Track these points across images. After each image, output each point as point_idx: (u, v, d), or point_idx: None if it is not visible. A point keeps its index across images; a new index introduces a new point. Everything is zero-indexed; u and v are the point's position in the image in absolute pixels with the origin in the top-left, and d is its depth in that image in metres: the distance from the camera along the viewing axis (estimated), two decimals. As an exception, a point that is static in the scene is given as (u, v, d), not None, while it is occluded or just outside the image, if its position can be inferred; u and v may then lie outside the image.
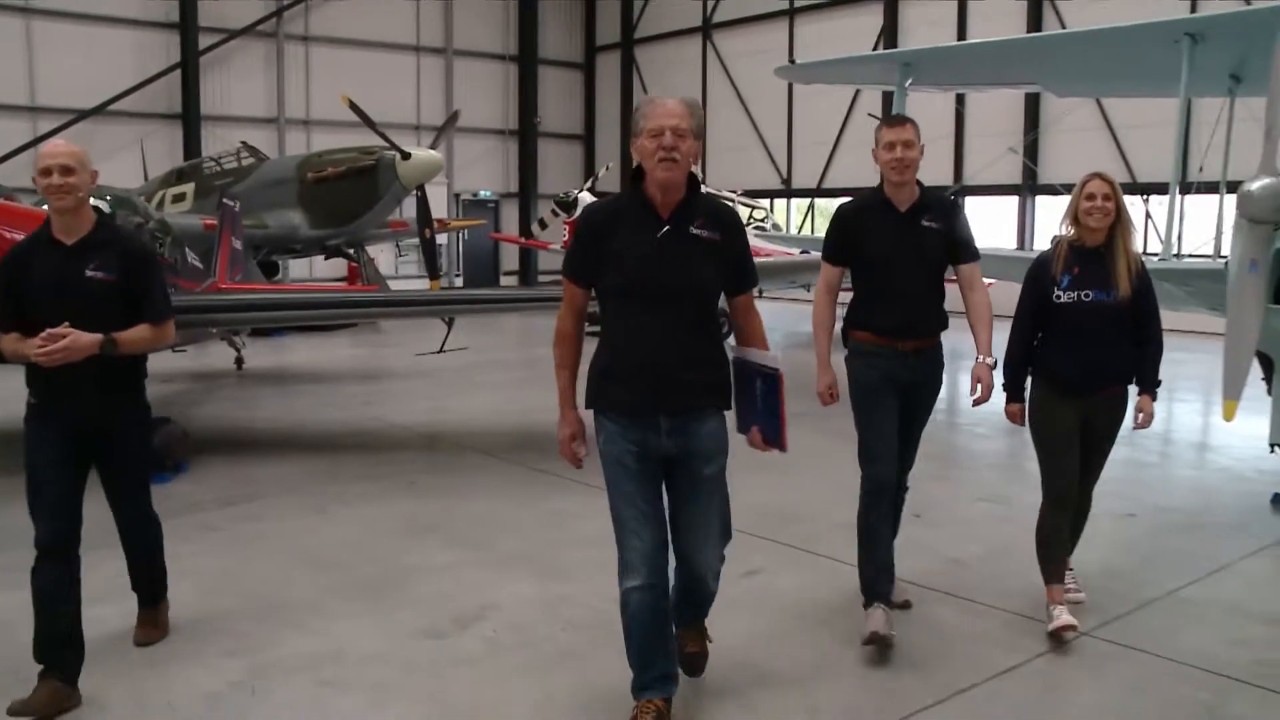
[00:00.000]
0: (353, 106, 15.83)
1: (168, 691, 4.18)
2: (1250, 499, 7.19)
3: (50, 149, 4.02)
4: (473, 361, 14.14)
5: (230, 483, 7.48)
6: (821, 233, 19.29)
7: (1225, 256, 6.87)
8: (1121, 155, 18.90)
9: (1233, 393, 6.13)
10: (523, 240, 25.04)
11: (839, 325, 4.75)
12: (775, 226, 20.00)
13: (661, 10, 28.88)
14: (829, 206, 26.19)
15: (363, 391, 12.05)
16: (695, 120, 3.47)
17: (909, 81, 10.73)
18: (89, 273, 3.97)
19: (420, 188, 16.90)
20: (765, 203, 22.58)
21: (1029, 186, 21.18)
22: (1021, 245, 21.06)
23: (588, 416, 3.67)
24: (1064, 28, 19.71)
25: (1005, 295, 5.59)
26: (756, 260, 15.06)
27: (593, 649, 4.56)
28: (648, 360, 3.48)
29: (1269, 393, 7.15)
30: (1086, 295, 4.60)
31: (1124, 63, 9.49)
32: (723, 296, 3.74)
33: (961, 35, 21.91)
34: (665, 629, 3.67)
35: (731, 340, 3.87)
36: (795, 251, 18.30)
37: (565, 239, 17.28)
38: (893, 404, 4.50)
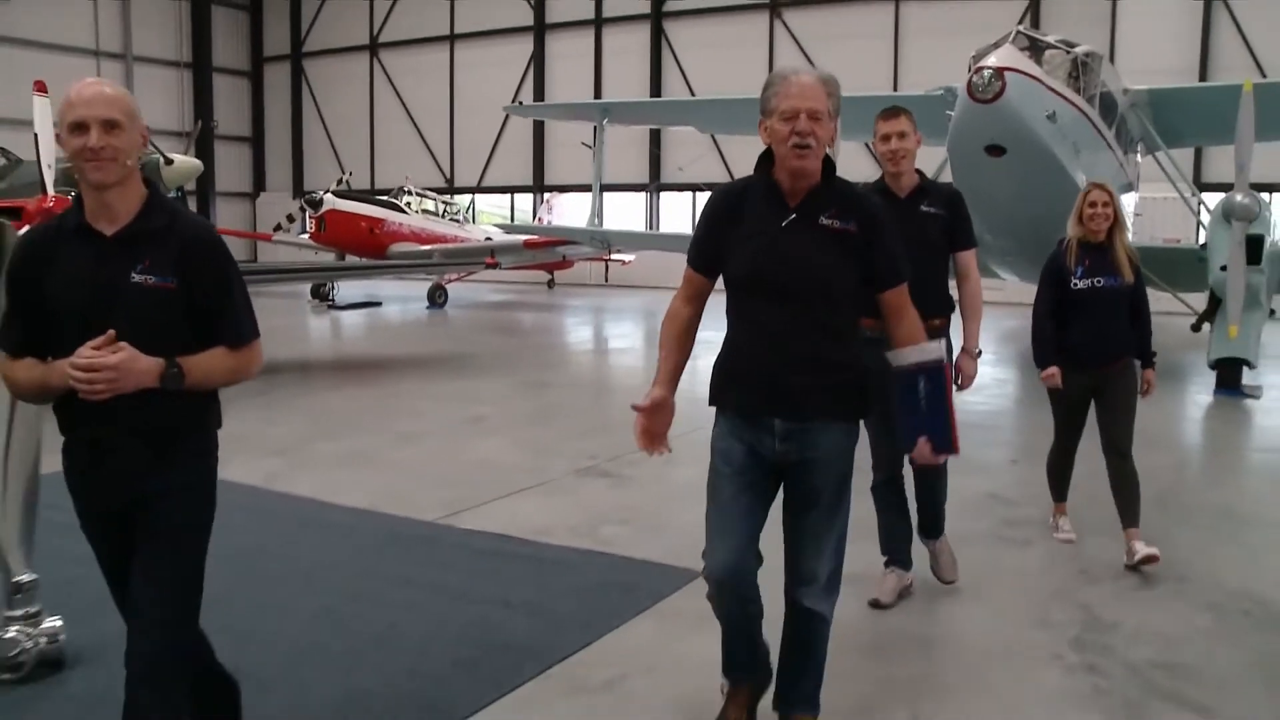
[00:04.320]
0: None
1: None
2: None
3: (85, 93, 2.60)
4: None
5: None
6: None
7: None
8: (723, 159, 25.28)
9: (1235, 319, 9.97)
10: (250, 234, 28.05)
11: None
12: (471, 217, 24.69)
13: (329, 27, 32.43)
14: (489, 202, 31.13)
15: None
16: (834, 100, 3.06)
17: (606, 120, 16.03)
18: (136, 276, 2.62)
19: (180, 189, 19.98)
20: (463, 198, 27.05)
21: (655, 185, 27.31)
22: (650, 226, 27.03)
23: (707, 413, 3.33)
24: (680, 68, 26.07)
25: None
26: (452, 246, 21.05)
27: (556, 419, 9.32)
28: (764, 361, 3.11)
29: (1193, 327, 12.24)
30: (1099, 282, 5.29)
31: (740, 116, 15.29)
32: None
33: (598, 64, 27.66)
34: (749, 618, 3.32)
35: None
36: (483, 238, 23.23)
37: (311, 231, 21.08)
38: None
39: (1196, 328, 12.35)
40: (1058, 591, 5.03)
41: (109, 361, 2.50)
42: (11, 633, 3.95)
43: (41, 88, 9.74)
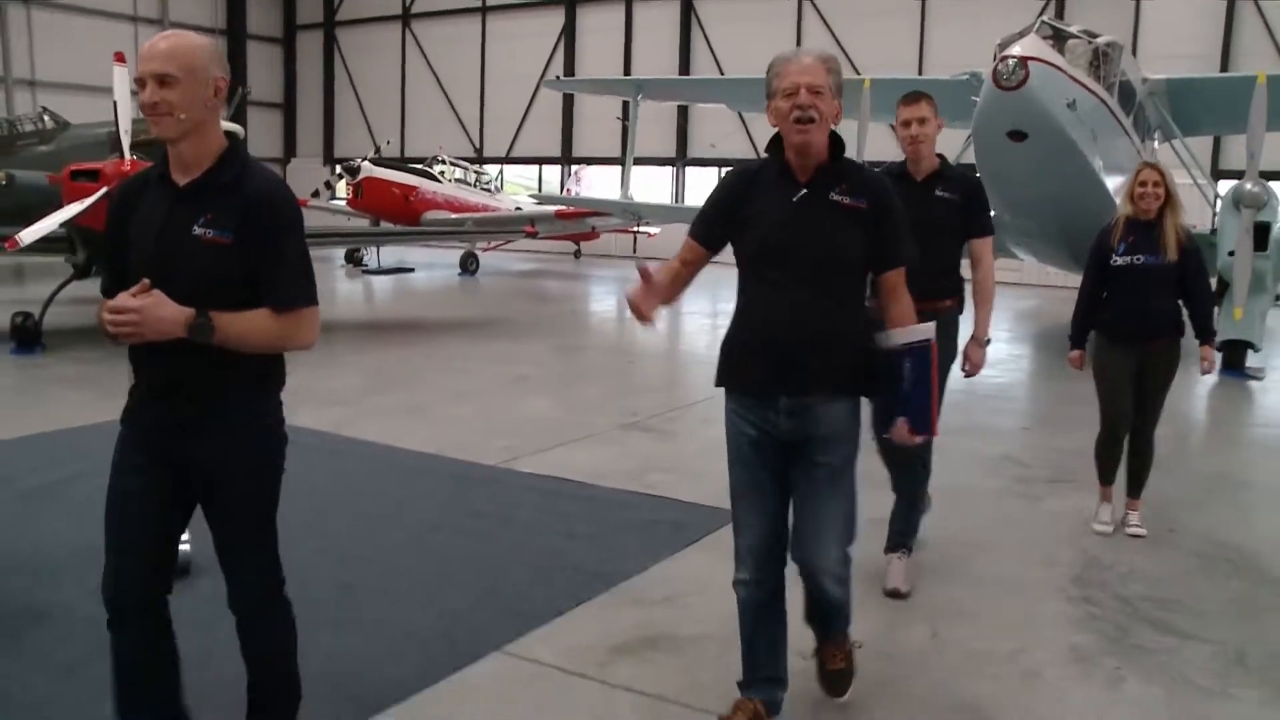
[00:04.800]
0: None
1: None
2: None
3: (149, 49, 2.59)
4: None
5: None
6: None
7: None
8: (749, 136, 25.70)
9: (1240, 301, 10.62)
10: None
11: None
12: (499, 186, 25.29)
13: (362, -3, 32.96)
14: (516, 173, 31.65)
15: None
16: (834, 76, 3.10)
17: (640, 95, 16.55)
18: (197, 229, 2.63)
19: (222, 152, 20.62)
20: (492, 168, 27.59)
21: (682, 160, 27.79)
22: (676, 200, 27.47)
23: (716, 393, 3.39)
24: (709, 44, 26.50)
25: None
26: (484, 215, 21.84)
27: (594, 380, 9.92)
28: (771, 333, 3.15)
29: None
30: (1139, 259, 5.31)
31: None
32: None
33: (628, 39, 28.06)
34: (774, 629, 3.37)
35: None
36: (513, 207, 23.82)
37: (349, 197, 21.67)
38: None
39: (1205, 310, 12.85)
40: (1062, 539, 5.60)
41: (131, 304, 2.50)
42: (151, 543, 4.58)
43: (120, 58, 10.31)
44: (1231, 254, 10.70)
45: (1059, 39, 10.89)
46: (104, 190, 9.74)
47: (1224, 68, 20.34)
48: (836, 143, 3.17)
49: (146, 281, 2.53)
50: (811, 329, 3.12)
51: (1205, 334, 5.52)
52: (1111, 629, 4.39)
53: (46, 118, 20.79)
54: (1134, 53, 18.85)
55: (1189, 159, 13.54)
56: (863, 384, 3.23)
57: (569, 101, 28.84)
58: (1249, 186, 10.58)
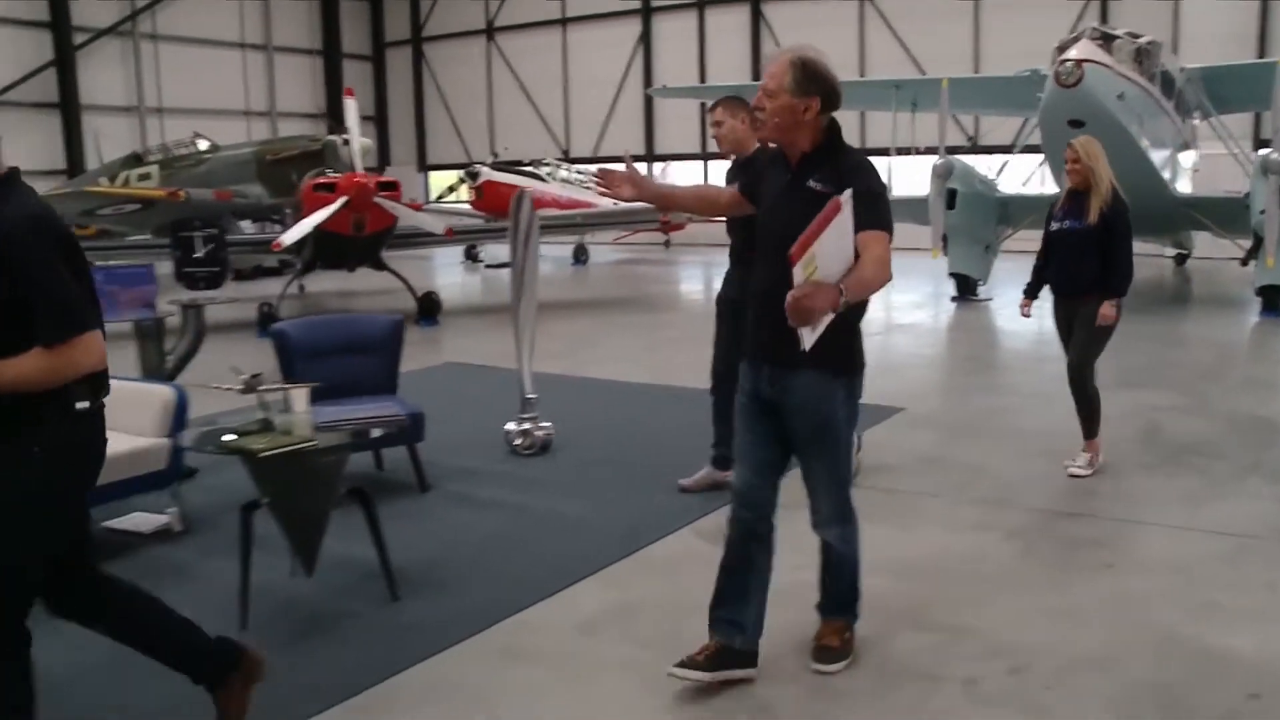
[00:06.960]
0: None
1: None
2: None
3: None
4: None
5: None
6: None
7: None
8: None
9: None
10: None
11: None
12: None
13: (447, 14, 35.43)
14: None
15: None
16: (791, 77, 3.35)
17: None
18: None
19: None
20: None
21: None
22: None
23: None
24: (776, 43, 28.67)
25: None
26: (571, 212, 24.28)
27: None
28: (760, 307, 3.52)
29: (1242, 262, 15.06)
30: (1066, 224, 6.01)
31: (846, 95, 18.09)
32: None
33: (702, 45, 30.35)
34: (745, 571, 3.66)
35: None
36: (611, 204, 26.24)
37: (472, 201, 24.19)
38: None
39: (1244, 263, 14.99)
40: (1129, 413, 7.76)
41: None
42: (525, 426, 7.01)
43: (350, 92, 12.88)
44: (1263, 213, 12.81)
45: (1107, 41, 13.04)
46: (344, 199, 12.24)
47: (1261, 49, 22.21)
48: (831, 130, 3.52)
49: None
50: (784, 307, 3.30)
51: (1107, 290, 5.95)
52: (1169, 453, 6.73)
53: (200, 142, 23.52)
54: (1175, 36, 20.88)
55: (1225, 134, 15.60)
56: (834, 358, 3.44)
57: (649, 103, 31.17)
58: (1275, 156, 12.72)
